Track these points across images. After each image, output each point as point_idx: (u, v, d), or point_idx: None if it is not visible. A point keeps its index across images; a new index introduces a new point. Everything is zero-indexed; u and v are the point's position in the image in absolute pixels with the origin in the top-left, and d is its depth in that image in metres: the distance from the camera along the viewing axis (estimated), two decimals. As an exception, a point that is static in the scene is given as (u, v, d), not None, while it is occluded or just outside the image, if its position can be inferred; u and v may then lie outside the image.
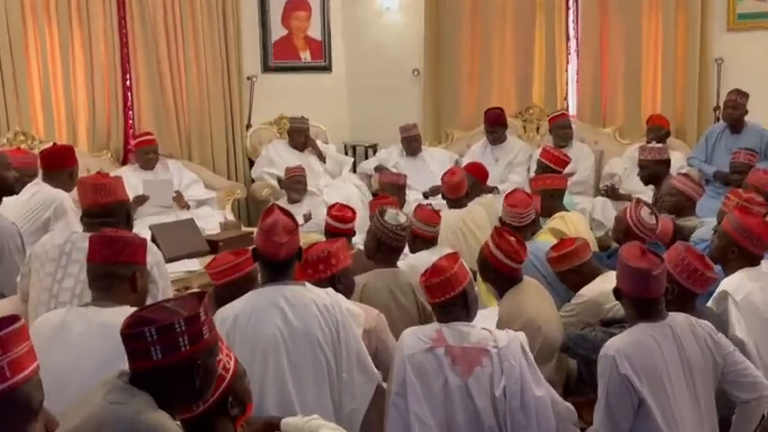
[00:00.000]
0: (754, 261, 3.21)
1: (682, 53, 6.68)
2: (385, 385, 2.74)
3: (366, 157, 7.82)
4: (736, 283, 3.10)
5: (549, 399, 2.66)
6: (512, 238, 3.26)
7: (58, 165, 4.27)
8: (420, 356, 2.61)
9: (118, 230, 2.63)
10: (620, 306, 2.80)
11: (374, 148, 7.90)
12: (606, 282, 3.34)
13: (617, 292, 2.68)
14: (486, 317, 3.21)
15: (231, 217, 6.29)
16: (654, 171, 5.19)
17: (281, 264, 2.65)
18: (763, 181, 4.63)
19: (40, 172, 4.38)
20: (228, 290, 3.12)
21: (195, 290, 3.56)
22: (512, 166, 6.80)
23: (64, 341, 2.35)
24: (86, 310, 2.43)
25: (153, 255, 2.97)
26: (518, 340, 2.69)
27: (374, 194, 6.50)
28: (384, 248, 3.54)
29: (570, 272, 3.56)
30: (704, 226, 4.38)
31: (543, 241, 4.12)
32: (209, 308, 1.80)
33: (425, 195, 6.54)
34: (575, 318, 3.42)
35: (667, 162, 5.29)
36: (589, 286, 3.47)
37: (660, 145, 5.54)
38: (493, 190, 6.10)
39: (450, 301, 2.72)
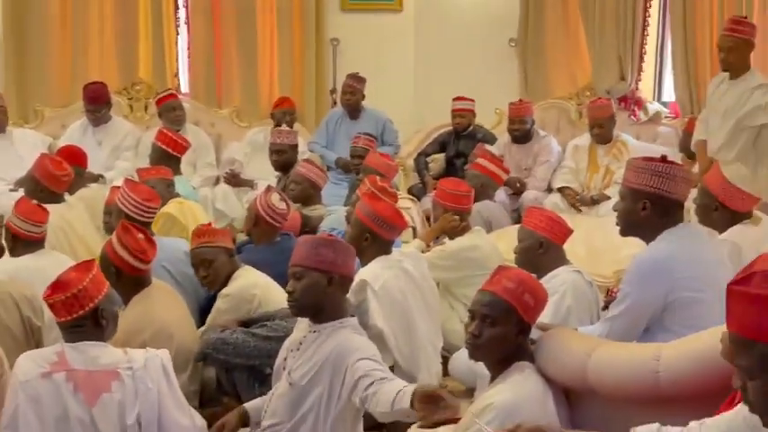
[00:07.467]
0: (386, 248, 3.60)
1: (298, 31, 7.19)
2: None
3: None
4: (373, 273, 3.46)
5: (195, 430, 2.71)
6: (140, 235, 3.33)
7: None
8: (35, 383, 2.56)
9: None
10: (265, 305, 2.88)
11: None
12: (251, 276, 3.61)
13: None
14: None
15: None
16: (291, 157, 5.57)
17: None
18: (380, 163, 5.19)
19: None
20: None
21: None
22: (119, 151, 6.69)
23: None
24: None
25: None
26: (159, 358, 2.71)
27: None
28: None
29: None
30: (332, 214, 4.80)
31: (172, 239, 4.21)
32: None
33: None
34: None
35: (297, 147, 5.76)
36: (231, 285, 3.66)
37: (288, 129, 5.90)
38: (98, 178, 5.96)
39: (78, 320, 2.65)
